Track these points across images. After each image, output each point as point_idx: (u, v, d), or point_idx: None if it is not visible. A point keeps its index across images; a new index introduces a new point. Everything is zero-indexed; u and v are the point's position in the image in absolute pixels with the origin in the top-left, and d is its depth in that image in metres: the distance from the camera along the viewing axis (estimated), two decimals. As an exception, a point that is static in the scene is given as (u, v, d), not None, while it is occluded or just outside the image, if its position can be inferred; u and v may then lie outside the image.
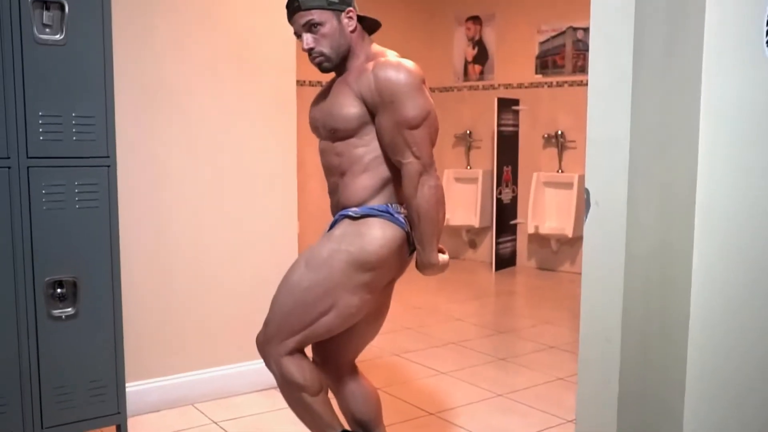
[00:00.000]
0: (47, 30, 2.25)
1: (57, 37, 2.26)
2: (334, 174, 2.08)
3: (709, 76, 1.42)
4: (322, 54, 2.00)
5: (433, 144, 2.02)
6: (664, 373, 1.57)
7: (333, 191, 2.12)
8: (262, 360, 2.13)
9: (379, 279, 2.05)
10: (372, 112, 1.98)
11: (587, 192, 1.70)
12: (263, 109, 3.21)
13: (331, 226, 2.07)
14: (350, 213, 2.02)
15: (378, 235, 2.00)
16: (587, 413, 1.77)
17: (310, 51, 2.01)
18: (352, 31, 2.02)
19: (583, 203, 1.70)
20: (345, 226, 2.02)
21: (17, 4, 2.19)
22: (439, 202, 2.00)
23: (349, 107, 1.97)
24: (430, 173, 1.98)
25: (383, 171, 2.03)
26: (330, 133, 2.04)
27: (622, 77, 1.60)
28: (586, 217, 1.70)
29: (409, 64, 1.96)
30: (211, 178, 3.10)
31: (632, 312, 1.65)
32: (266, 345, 2.09)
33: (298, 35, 2.02)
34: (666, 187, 1.55)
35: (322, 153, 2.11)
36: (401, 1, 6.86)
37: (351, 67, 2.05)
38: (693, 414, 1.51)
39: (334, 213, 2.13)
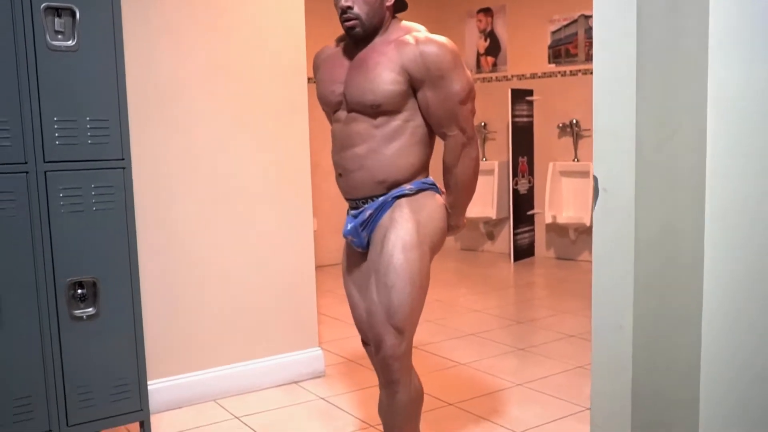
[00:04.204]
0: (59, 36, 2.29)
1: (69, 43, 2.30)
2: (359, 145, 2.02)
3: (715, 60, 1.42)
4: (357, 17, 1.97)
5: (473, 116, 2.07)
6: (678, 358, 1.58)
7: (356, 168, 2.04)
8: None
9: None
10: (414, 85, 1.97)
11: (595, 179, 1.71)
12: (275, 109, 3.24)
13: (377, 210, 2.05)
14: (406, 191, 2.05)
15: (439, 203, 2.10)
16: (601, 401, 1.77)
17: (346, 10, 1.97)
18: (388, 7, 2.03)
19: (600, 192, 1.71)
20: (407, 204, 2.03)
21: (30, 11, 2.23)
22: (476, 172, 2.11)
23: (394, 83, 1.95)
24: (472, 145, 2.05)
25: (426, 146, 2.08)
26: (371, 109, 1.98)
27: (626, 65, 1.61)
28: (595, 204, 1.71)
29: (448, 41, 1.99)
30: (225, 177, 3.14)
31: (644, 298, 1.65)
32: (405, 357, 2.02)
33: None
34: (674, 172, 1.55)
35: (347, 122, 2.04)
36: (412, -5, 6.86)
37: (379, 40, 2.02)
38: (709, 398, 1.51)
39: (354, 191, 2.08)
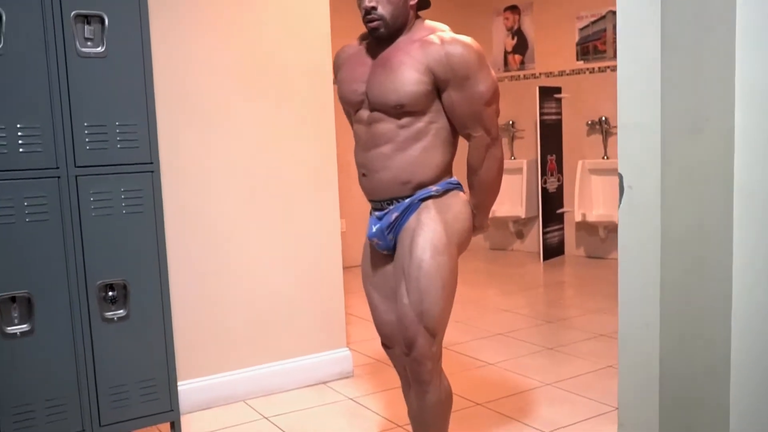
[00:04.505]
0: (89, 43, 2.33)
1: (98, 49, 2.34)
2: (384, 145, 2.01)
3: (742, 54, 1.40)
4: (381, 18, 1.95)
5: (498, 116, 2.07)
6: (706, 356, 1.56)
7: (380, 168, 2.03)
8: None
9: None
10: (438, 85, 1.96)
11: (620, 177, 1.69)
12: (302, 110, 3.25)
13: (404, 213, 2.05)
14: (432, 192, 2.04)
15: (464, 201, 2.11)
16: (629, 399, 1.76)
17: (370, 10, 1.95)
18: (412, 6, 2.01)
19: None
20: (433, 205, 2.04)
21: (60, 19, 2.28)
22: (501, 173, 2.11)
23: (418, 84, 1.93)
24: (496, 146, 2.05)
25: (450, 146, 2.07)
26: (394, 109, 1.97)
27: (650, 61, 1.59)
28: (621, 202, 1.70)
29: (473, 41, 1.97)
30: (253, 179, 3.16)
31: (671, 296, 1.64)
32: (437, 358, 2.05)
33: None
34: (701, 168, 1.53)
35: (369, 122, 2.03)
36: (438, -5, 6.85)
37: (402, 39, 2.00)
38: (739, 401, 1.49)
39: (379, 192, 2.07)
